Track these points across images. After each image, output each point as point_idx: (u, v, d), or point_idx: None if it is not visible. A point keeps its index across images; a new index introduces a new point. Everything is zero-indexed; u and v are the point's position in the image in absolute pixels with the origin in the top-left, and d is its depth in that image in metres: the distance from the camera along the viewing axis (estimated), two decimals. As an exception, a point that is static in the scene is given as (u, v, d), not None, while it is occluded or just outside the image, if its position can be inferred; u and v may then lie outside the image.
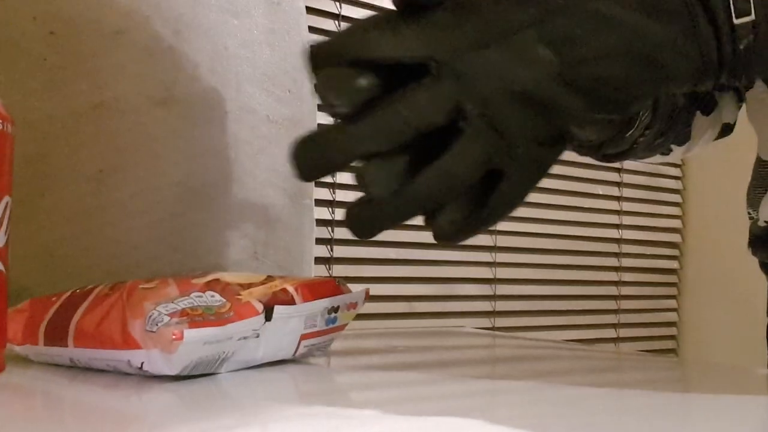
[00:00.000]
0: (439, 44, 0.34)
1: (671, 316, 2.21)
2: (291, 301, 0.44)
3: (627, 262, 2.11)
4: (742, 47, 0.34)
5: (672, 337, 2.21)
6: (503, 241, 1.76)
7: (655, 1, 0.33)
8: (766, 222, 0.56)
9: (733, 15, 0.34)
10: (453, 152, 0.35)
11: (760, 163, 0.57)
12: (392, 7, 0.36)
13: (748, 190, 0.60)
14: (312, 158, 0.36)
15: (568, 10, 0.33)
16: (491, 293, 1.80)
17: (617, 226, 2.09)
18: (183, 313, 0.38)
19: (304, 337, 0.45)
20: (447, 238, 0.37)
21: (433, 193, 0.36)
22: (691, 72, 0.35)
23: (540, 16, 0.33)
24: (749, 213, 0.60)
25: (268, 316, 0.42)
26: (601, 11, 0.33)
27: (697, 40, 0.34)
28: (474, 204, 0.37)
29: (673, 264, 2.21)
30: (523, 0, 0.34)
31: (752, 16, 0.34)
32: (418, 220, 0.38)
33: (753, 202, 0.59)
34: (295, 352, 0.45)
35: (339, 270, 1.47)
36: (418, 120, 0.34)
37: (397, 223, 0.37)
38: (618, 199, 2.08)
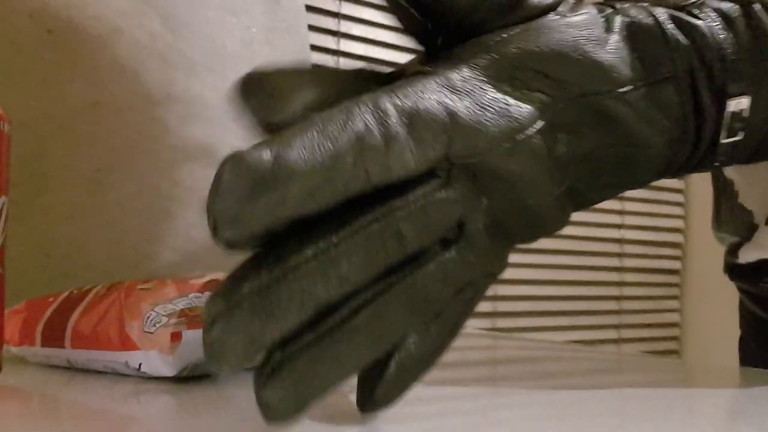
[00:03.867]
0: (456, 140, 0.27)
1: (673, 317, 2.21)
2: (290, 302, 0.43)
3: (629, 262, 2.11)
4: (716, 164, 0.34)
5: (674, 339, 2.21)
6: (504, 241, 1.76)
7: (656, 115, 0.31)
8: (747, 262, 0.57)
9: (722, 136, 0.32)
10: (420, 277, 0.26)
11: (742, 209, 0.56)
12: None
13: (719, 213, 0.60)
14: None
15: (574, 104, 0.30)
16: (492, 294, 1.80)
17: (619, 227, 2.09)
18: (181, 314, 0.38)
19: (303, 338, 0.45)
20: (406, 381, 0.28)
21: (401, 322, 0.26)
22: (654, 175, 0.33)
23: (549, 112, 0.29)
24: (720, 235, 0.61)
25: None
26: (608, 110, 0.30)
27: (676, 151, 0.32)
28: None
29: (676, 264, 2.21)
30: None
31: (740, 137, 0.33)
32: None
33: (723, 229, 0.60)
34: (295, 353, 0.45)
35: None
36: (418, 237, 0.25)
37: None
38: (620, 199, 2.08)
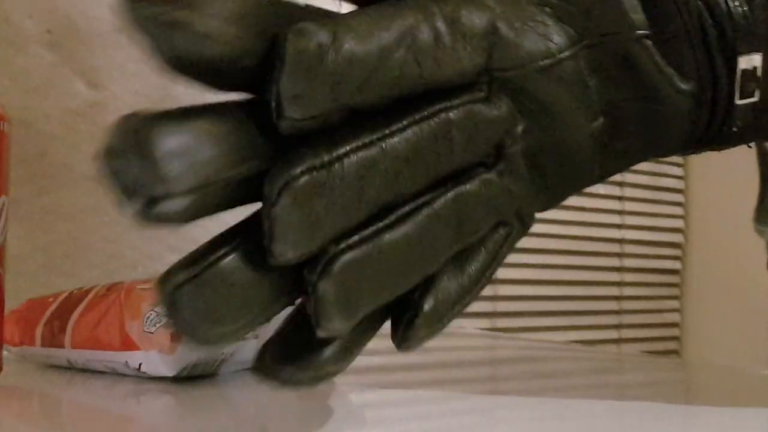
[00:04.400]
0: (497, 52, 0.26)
1: (674, 317, 2.21)
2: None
3: (629, 262, 2.11)
4: (735, 129, 0.32)
5: (674, 338, 2.21)
6: (504, 241, 1.76)
7: (674, 72, 0.30)
8: None
9: (737, 96, 0.31)
10: (463, 195, 0.25)
11: None
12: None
13: (763, 202, 0.58)
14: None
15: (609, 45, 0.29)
16: (492, 294, 1.80)
17: (619, 227, 2.09)
18: (181, 313, 0.38)
19: (303, 337, 0.45)
20: (437, 324, 0.27)
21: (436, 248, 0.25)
22: (680, 142, 0.32)
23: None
24: (761, 228, 0.59)
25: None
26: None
27: (696, 116, 0.31)
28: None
29: (676, 264, 2.21)
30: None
31: (755, 98, 0.31)
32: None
33: (765, 220, 0.58)
34: (295, 353, 0.45)
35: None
36: (466, 145, 0.25)
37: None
38: (620, 198, 2.08)
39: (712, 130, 0.32)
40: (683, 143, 0.32)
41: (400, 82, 0.23)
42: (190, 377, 0.39)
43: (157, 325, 0.37)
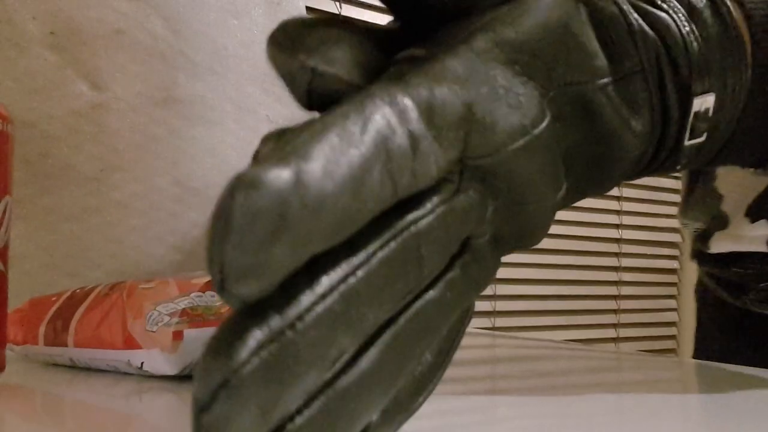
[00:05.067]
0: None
1: (671, 316, 2.21)
2: (291, 301, 0.44)
3: (627, 261, 2.11)
4: (678, 167, 0.31)
5: (672, 337, 2.21)
6: (503, 240, 1.76)
7: (627, 112, 0.28)
8: (717, 252, 0.57)
9: (686, 138, 0.30)
10: (434, 300, 0.22)
11: (714, 194, 0.55)
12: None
13: (689, 199, 0.59)
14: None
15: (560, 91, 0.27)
16: (491, 293, 1.80)
17: (617, 226, 2.09)
18: (183, 313, 0.38)
19: (304, 337, 0.45)
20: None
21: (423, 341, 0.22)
22: (620, 179, 0.30)
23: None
24: (685, 222, 0.61)
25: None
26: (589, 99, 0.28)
27: (643, 152, 0.30)
28: None
29: (673, 264, 2.21)
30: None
31: (702, 138, 0.31)
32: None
33: (689, 215, 0.60)
34: (295, 352, 0.45)
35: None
36: (436, 258, 0.22)
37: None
38: (618, 198, 2.08)
39: (654, 164, 0.31)
40: (623, 178, 0.31)
41: (372, 212, 0.19)
42: (191, 376, 0.39)
43: (159, 324, 0.38)
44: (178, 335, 0.37)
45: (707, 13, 0.30)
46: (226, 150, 0.64)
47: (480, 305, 1.77)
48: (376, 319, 0.20)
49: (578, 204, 1.94)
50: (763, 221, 0.52)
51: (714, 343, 0.63)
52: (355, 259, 0.19)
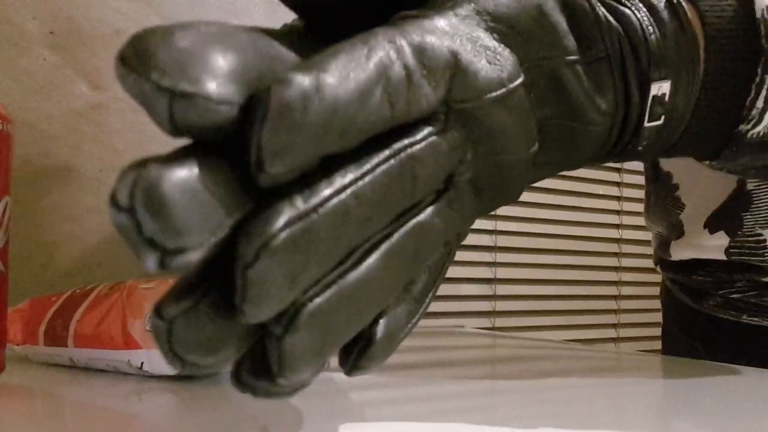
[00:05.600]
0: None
1: (671, 316, 2.21)
2: (291, 301, 0.44)
3: (627, 262, 2.11)
4: (640, 148, 0.34)
5: (672, 337, 2.21)
6: (503, 241, 1.77)
7: (595, 92, 0.32)
8: (679, 259, 0.60)
9: (645, 119, 0.33)
10: (420, 226, 0.25)
11: (676, 203, 0.58)
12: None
13: (650, 203, 0.62)
14: None
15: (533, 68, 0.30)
16: (491, 293, 1.81)
17: (617, 226, 2.09)
18: (183, 313, 0.38)
19: (304, 337, 0.45)
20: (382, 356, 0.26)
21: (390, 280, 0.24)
22: (589, 156, 0.34)
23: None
24: (650, 223, 0.63)
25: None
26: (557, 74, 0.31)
27: (608, 133, 0.33)
28: None
29: (673, 264, 2.21)
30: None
31: (660, 121, 0.34)
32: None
33: (652, 218, 0.63)
34: (295, 352, 0.45)
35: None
36: (427, 181, 0.25)
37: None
38: (618, 199, 2.08)
39: (618, 146, 0.34)
40: (592, 157, 0.34)
41: (375, 125, 0.22)
42: (191, 376, 0.39)
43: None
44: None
45: (665, 13, 0.33)
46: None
47: (480, 305, 1.77)
48: (378, 223, 0.23)
49: (578, 204, 1.94)
50: (721, 232, 0.55)
51: (679, 345, 0.65)
52: (362, 168, 0.22)
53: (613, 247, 2.08)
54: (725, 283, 0.57)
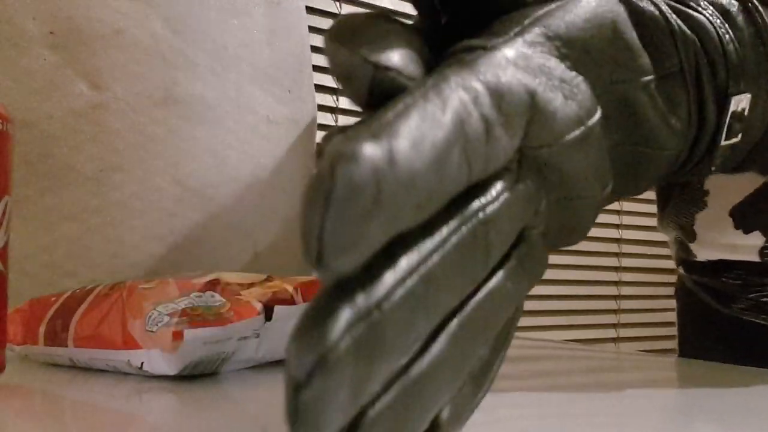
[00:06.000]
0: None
1: (671, 316, 2.21)
2: (291, 301, 0.44)
3: (627, 262, 2.11)
4: (713, 167, 0.32)
5: (672, 337, 2.21)
6: (503, 241, 1.76)
7: (668, 112, 0.29)
8: (705, 260, 0.57)
9: (722, 137, 0.31)
10: (496, 289, 0.22)
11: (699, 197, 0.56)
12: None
13: (669, 212, 0.60)
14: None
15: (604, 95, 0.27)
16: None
17: (617, 226, 2.09)
18: (183, 313, 0.38)
19: (304, 337, 0.45)
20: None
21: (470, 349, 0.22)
22: (656, 181, 0.31)
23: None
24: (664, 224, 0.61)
25: (268, 316, 0.42)
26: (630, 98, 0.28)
27: (677, 159, 0.30)
28: None
29: (673, 264, 2.21)
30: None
31: (738, 138, 0.31)
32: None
33: (665, 226, 0.61)
34: (295, 352, 0.45)
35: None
36: (501, 246, 0.22)
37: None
38: (618, 198, 2.08)
39: (688, 165, 0.31)
40: (660, 178, 0.31)
41: (450, 192, 0.19)
42: (191, 376, 0.39)
43: (159, 324, 0.38)
44: (178, 335, 0.37)
45: (740, 18, 0.31)
46: (226, 150, 0.64)
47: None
48: (448, 304, 0.20)
49: (578, 204, 1.94)
50: (757, 232, 0.52)
51: (698, 347, 0.64)
52: (430, 243, 0.19)
53: (613, 247, 2.08)
54: (756, 286, 0.55)
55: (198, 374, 0.39)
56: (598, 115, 0.26)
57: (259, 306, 0.41)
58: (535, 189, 0.24)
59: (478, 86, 0.21)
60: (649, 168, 0.30)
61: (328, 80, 1.53)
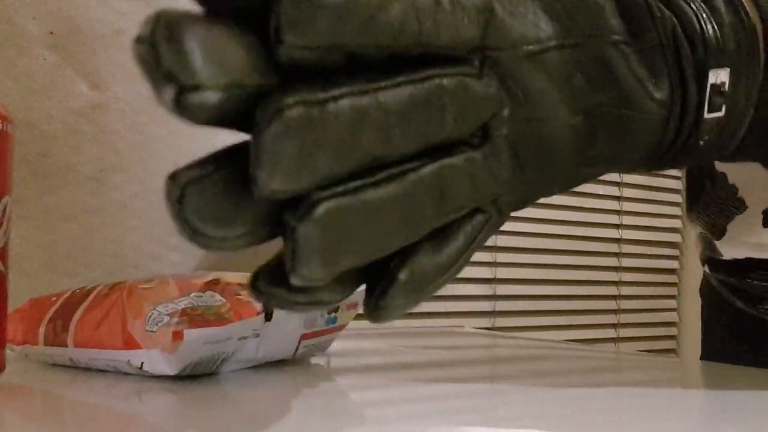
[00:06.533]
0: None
1: (671, 316, 2.21)
2: (291, 301, 0.44)
3: (627, 262, 2.11)
4: (701, 142, 0.33)
5: (672, 337, 2.21)
6: (503, 241, 1.77)
7: (648, 80, 0.30)
8: (732, 258, 0.57)
9: (705, 110, 0.32)
10: (448, 167, 0.25)
11: (734, 198, 0.55)
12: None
13: (704, 209, 0.59)
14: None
15: (585, 47, 0.29)
16: (491, 293, 1.80)
17: (617, 226, 2.09)
18: (183, 312, 0.38)
19: (304, 337, 0.45)
20: (408, 302, 0.26)
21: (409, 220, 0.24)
22: (648, 150, 0.32)
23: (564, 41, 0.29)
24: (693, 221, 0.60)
25: (268, 316, 0.42)
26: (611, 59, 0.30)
27: (665, 125, 0.31)
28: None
29: (673, 264, 2.21)
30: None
31: (721, 113, 0.32)
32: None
33: (697, 221, 0.60)
34: (295, 352, 0.45)
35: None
36: (457, 119, 0.25)
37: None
38: (618, 198, 2.08)
39: (678, 142, 0.32)
40: (650, 154, 0.32)
41: (399, 35, 0.22)
42: (191, 376, 0.39)
43: (159, 324, 0.38)
44: (178, 335, 0.37)
45: (721, 6, 0.32)
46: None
47: (480, 305, 1.77)
48: (401, 143, 0.23)
49: (578, 204, 1.94)
50: None
51: (721, 345, 0.63)
52: (386, 79, 0.22)
53: (613, 247, 2.08)
54: None
55: (198, 374, 0.39)
56: (557, 41, 0.28)
57: (259, 306, 0.41)
58: (497, 91, 0.26)
59: None
60: (634, 132, 0.31)
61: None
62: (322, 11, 0.20)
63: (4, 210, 0.37)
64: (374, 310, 0.25)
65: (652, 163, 0.34)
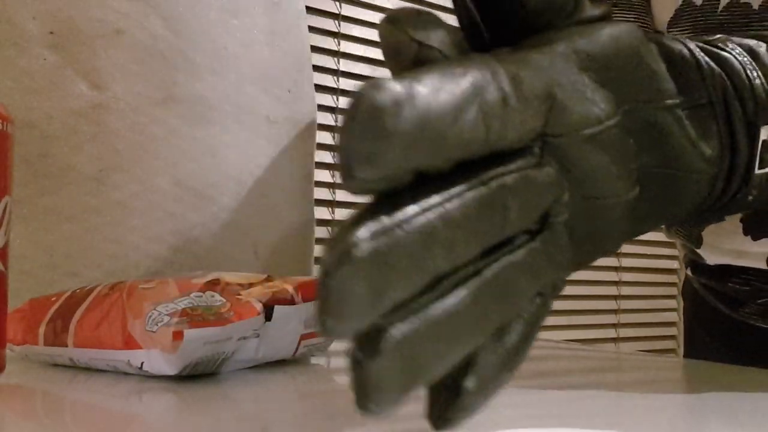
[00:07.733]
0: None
1: (671, 316, 2.21)
2: (291, 301, 0.44)
3: (627, 261, 2.11)
4: (750, 197, 0.33)
5: (672, 337, 2.21)
6: (503, 241, 1.76)
7: (699, 139, 0.30)
8: (714, 263, 0.58)
9: (756, 166, 0.32)
10: (517, 261, 0.24)
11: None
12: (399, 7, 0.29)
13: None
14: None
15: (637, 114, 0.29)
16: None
17: (617, 226, 2.09)
18: (183, 313, 0.38)
19: (304, 337, 0.45)
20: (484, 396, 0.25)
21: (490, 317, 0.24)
22: (694, 207, 0.32)
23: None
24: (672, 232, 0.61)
25: (268, 316, 0.42)
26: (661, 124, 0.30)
27: (712, 186, 0.31)
28: None
29: (673, 264, 2.21)
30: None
31: None
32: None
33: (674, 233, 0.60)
34: (295, 352, 0.45)
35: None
36: (519, 214, 0.24)
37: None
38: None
39: (725, 197, 0.32)
40: (695, 209, 0.32)
41: (468, 146, 0.22)
42: (191, 376, 0.39)
43: (159, 324, 0.38)
44: (178, 335, 0.37)
45: (763, 50, 0.32)
46: (226, 150, 0.64)
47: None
48: (466, 252, 0.22)
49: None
50: (766, 239, 0.52)
51: (704, 348, 0.64)
52: (450, 191, 0.22)
53: (613, 247, 2.09)
54: (763, 292, 0.55)
55: (198, 374, 0.39)
56: (617, 118, 0.28)
57: (259, 306, 0.41)
58: (557, 177, 0.26)
59: (498, 68, 0.23)
60: (683, 192, 0.31)
61: (329, 80, 1.53)
62: (394, 140, 0.20)
63: (4, 210, 0.37)
64: (442, 421, 0.25)
65: (695, 218, 0.34)
